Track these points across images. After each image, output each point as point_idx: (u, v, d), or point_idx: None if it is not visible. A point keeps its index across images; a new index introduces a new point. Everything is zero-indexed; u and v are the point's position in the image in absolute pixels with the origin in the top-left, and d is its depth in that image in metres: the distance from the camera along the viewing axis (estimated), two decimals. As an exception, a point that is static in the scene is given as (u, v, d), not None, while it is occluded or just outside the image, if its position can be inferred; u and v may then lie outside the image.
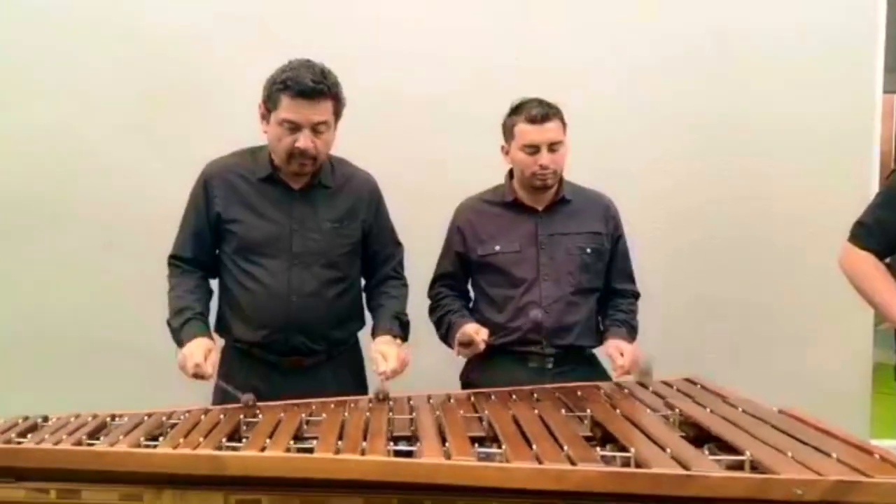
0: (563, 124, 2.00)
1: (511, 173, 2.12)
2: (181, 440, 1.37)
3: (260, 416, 1.56)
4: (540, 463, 1.24)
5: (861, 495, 1.14)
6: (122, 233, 2.73)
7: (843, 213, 2.85)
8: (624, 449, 1.32)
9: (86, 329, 2.72)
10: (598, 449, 1.31)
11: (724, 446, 1.36)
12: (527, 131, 1.97)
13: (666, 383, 1.90)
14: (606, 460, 1.28)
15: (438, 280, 2.17)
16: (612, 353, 1.94)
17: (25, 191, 2.73)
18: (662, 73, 2.81)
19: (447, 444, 1.33)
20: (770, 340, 2.89)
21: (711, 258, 2.88)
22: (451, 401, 1.73)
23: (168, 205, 2.62)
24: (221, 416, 1.55)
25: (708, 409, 1.58)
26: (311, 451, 1.33)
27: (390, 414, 1.56)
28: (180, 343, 1.84)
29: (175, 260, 2.02)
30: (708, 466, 1.22)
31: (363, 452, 1.29)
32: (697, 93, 2.82)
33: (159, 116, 2.71)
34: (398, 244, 2.12)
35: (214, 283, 2.05)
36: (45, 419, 1.53)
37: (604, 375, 2.07)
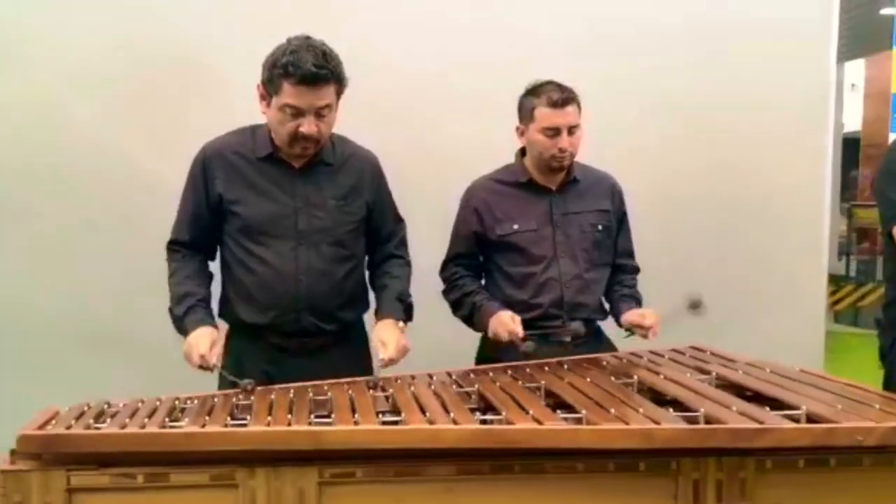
0: (580, 108, 2.09)
1: (523, 152, 2.19)
2: (268, 418, 1.38)
3: (329, 393, 1.57)
4: (626, 424, 1.33)
5: (914, 437, 1.30)
6: (110, 214, 2.63)
7: (797, 194, 3.13)
8: (688, 407, 1.43)
9: (75, 315, 2.61)
10: (670, 409, 1.41)
11: (771, 403, 1.49)
12: (548, 115, 2.04)
13: (677, 350, 2.04)
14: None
15: (453, 260, 2.22)
16: (634, 318, 2.03)
17: (15, 169, 2.60)
18: (644, 60, 2.93)
19: (530, 412, 1.39)
20: (729, 312, 3.09)
21: (674, 237, 3.02)
22: (491, 374, 1.79)
23: (158, 186, 2.58)
24: (292, 395, 1.55)
25: (740, 371, 1.71)
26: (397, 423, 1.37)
27: (454, 388, 1.61)
28: (184, 332, 1.81)
29: (174, 245, 1.97)
30: (776, 421, 1.34)
31: (455, 422, 1.34)
32: (674, 80, 2.96)
33: (151, 96, 2.62)
34: (400, 220, 2.12)
35: (214, 266, 2.03)
36: (108, 405, 1.49)
37: (611, 347, 2.19)
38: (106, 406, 1.47)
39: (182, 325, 1.82)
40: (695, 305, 1.99)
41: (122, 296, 2.61)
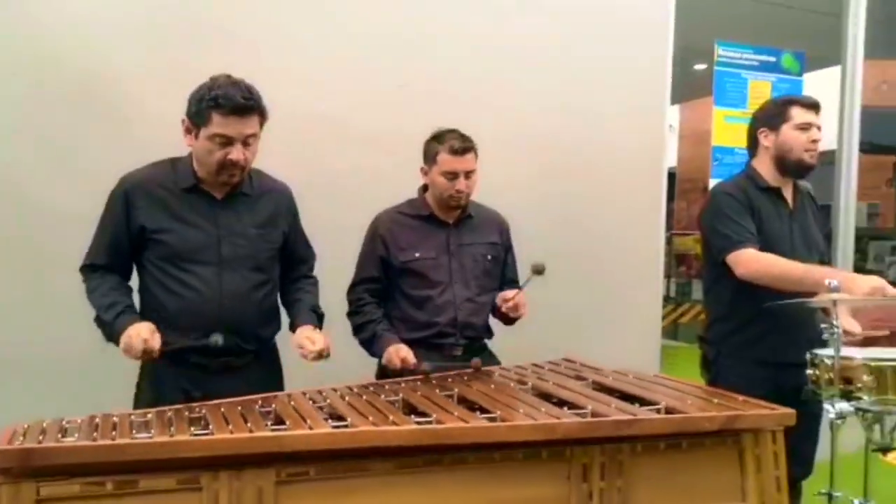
0: (476, 155, 2.40)
1: (425, 188, 2.48)
2: (229, 426, 1.54)
3: (275, 405, 1.75)
4: (534, 420, 1.63)
5: (743, 423, 1.71)
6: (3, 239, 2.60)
7: (638, 223, 3.63)
8: (578, 406, 1.76)
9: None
10: (565, 408, 1.74)
11: (637, 400, 1.86)
12: (448, 160, 2.34)
13: (553, 362, 2.40)
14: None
15: (360, 283, 2.45)
16: (505, 294, 2.36)
17: None
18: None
19: (455, 414, 1.66)
20: (582, 328, 3.52)
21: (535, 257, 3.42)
22: (410, 384, 2.04)
23: (54, 211, 2.57)
24: (240, 408, 1.72)
25: (610, 378, 2.09)
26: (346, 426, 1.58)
27: (382, 397, 1.85)
28: (117, 333, 1.90)
29: (90, 267, 2.07)
30: (644, 414, 1.71)
31: (395, 424, 1.58)
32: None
33: (51, 119, 2.62)
34: (310, 247, 2.34)
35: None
36: (66, 421, 1.57)
37: (496, 360, 2.51)
38: (64, 423, 1.56)
39: (114, 328, 1.92)
40: (538, 270, 2.26)
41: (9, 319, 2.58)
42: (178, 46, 2.77)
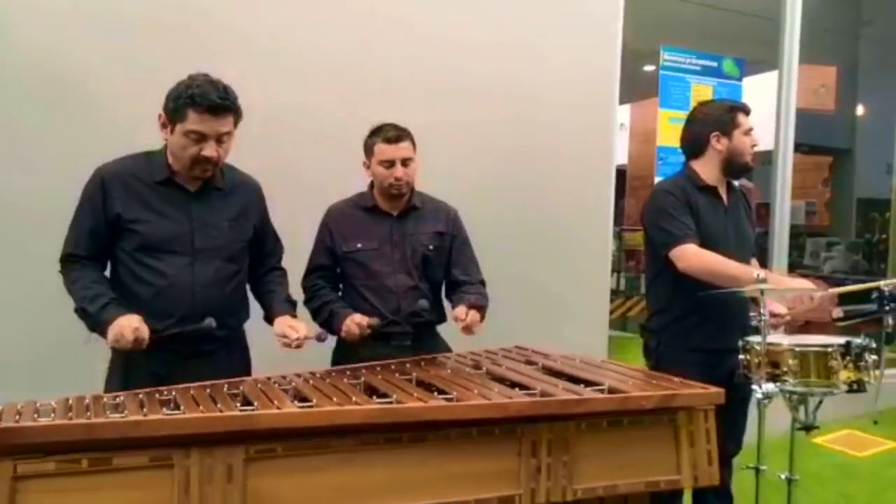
0: (413, 144, 2.50)
1: (372, 184, 2.58)
2: (200, 407, 1.62)
3: (243, 388, 1.83)
4: (488, 400, 1.76)
5: (678, 401, 1.87)
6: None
7: (588, 220, 3.79)
8: (528, 388, 1.89)
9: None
10: (516, 389, 1.87)
11: (583, 382, 2.00)
12: (384, 149, 2.45)
13: (505, 349, 2.53)
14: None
15: (313, 271, 2.55)
16: (459, 313, 2.38)
17: None
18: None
19: (414, 395, 1.78)
20: (533, 319, 3.66)
21: (490, 255, 3.54)
22: (370, 369, 2.14)
23: (18, 204, 2.58)
24: (209, 391, 1.80)
25: (558, 362, 2.23)
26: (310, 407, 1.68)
27: (344, 380, 1.95)
28: (103, 324, 1.97)
29: (70, 258, 2.12)
30: (589, 394, 1.85)
31: (357, 404, 1.69)
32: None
33: (17, 113, 2.64)
34: (278, 239, 2.43)
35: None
36: (39, 404, 1.63)
37: (447, 348, 2.62)
38: (38, 405, 1.63)
39: (100, 318, 1.98)
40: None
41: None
42: (142, 37, 2.81)
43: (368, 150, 2.51)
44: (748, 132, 2.67)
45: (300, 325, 2.16)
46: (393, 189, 2.48)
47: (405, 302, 2.49)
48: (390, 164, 2.45)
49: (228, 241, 2.18)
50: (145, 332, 1.94)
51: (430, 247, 2.57)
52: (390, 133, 2.45)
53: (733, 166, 2.68)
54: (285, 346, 2.12)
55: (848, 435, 4.24)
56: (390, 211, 2.55)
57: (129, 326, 1.92)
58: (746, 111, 2.71)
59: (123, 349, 1.95)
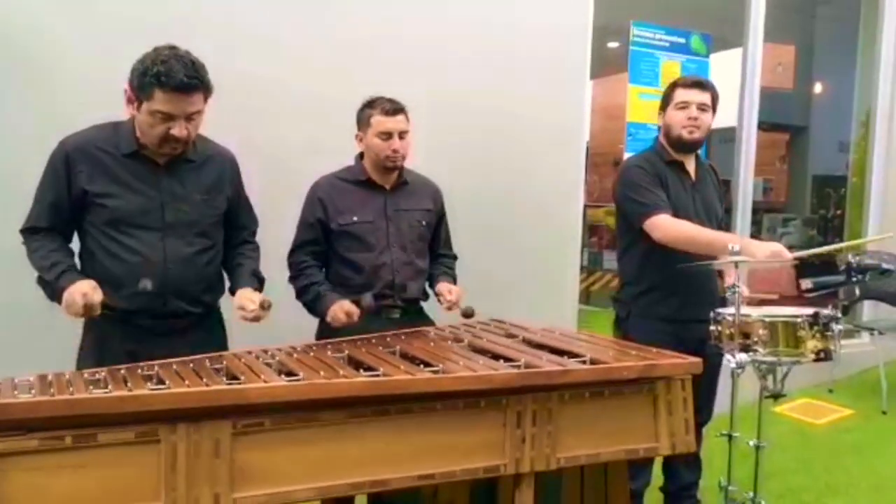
0: (408, 118, 2.49)
1: (361, 157, 2.55)
2: (185, 382, 1.60)
3: (225, 362, 1.81)
4: (474, 372, 1.77)
5: (658, 371, 1.91)
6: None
7: (559, 195, 3.81)
8: (512, 360, 1.91)
9: None
10: (501, 361, 1.88)
11: (565, 354, 2.03)
12: (382, 121, 2.43)
13: (483, 323, 2.54)
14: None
15: (300, 247, 2.52)
16: (443, 290, 2.49)
17: None
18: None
19: (401, 367, 1.78)
20: (507, 293, 3.70)
21: (462, 231, 3.55)
22: (352, 343, 2.13)
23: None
24: (192, 365, 1.77)
25: (538, 334, 2.25)
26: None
27: (329, 353, 1.94)
28: (60, 291, 1.92)
29: (31, 230, 2.06)
30: (573, 365, 1.88)
31: (345, 377, 1.68)
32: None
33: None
34: (252, 212, 2.37)
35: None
36: (16, 381, 1.59)
37: (431, 322, 2.62)
38: (16, 381, 1.58)
39: (56, 286, 1.93)
40: (467, 314, 2.43)
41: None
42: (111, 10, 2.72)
43: (364, 121, 2.48)
44: (681, 106, 2.64)
45: (257, 298, 2.09)
46: (389, 161, 2.47)
47: (398, 277, 2.49)
48: (388, 135, 2.44)
49: (201, 215, 2.12)
50: (96, 297, 1.87)
51: (423, 223, 2.59)
52: (388, 105, 2.45)
53: (671, 141, 2.69)
54: (243, 318, 2.07)
55: (806, 403, 4.39)
56: (383, 184, 2.53)
57: (79, 291, 1.86)
58: (685, 84, 2.69)
59: (76, 316, 1.90)
